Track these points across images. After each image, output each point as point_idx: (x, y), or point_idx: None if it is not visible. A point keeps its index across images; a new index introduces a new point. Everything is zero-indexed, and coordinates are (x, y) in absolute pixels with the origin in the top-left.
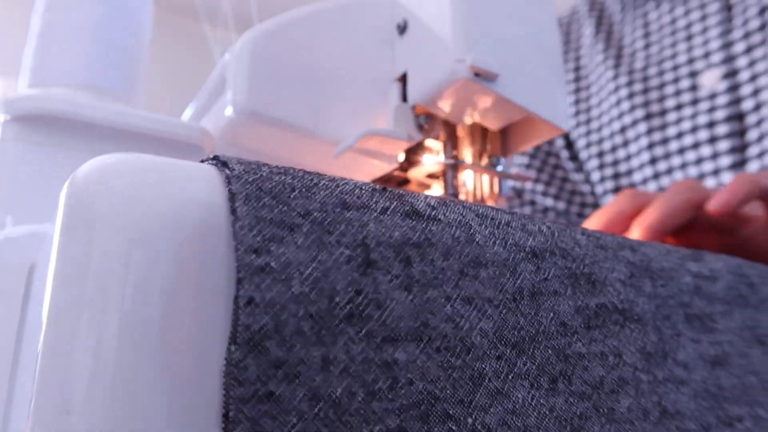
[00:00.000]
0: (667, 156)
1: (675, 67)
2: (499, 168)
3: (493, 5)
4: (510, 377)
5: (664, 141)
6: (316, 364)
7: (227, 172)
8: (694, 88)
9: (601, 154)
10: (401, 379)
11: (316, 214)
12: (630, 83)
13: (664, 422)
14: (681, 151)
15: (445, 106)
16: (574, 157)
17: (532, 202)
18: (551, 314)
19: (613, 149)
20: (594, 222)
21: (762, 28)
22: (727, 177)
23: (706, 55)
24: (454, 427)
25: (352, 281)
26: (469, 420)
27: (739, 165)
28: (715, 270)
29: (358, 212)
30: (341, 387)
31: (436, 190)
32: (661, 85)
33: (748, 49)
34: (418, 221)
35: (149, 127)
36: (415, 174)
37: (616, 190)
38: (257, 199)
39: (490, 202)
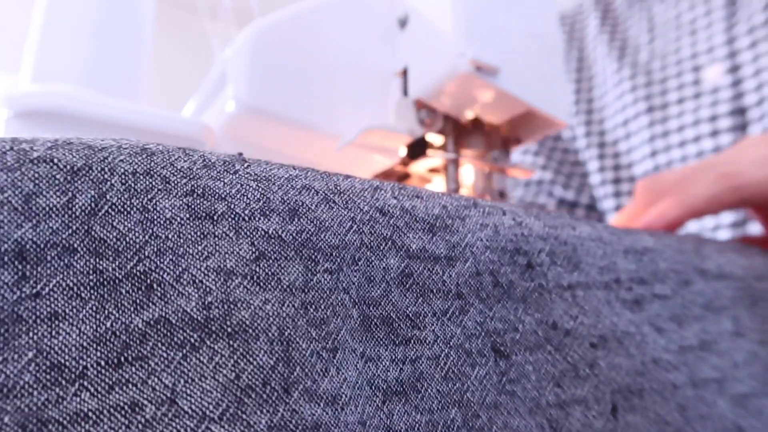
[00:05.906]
0: (667, 149)
1: (678, 62)
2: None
3: None
4: None
5: (665, 134)
6: None
7: None
8: (697, 82)
9: (602, 145)
10: None
11: None
12: (633, 76)
13: None
14: (682, 144)
15: (446, 101)
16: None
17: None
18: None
19: (615, 142)
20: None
21: (767, 23)
22: None
23: (710, 49)
24: None
25: None
26: None
27: None
28: (459, 245)
29: None
30: None
31: (438, 184)
32: (664, 79)
33: (753, 44)
34: None
35: (151, 122)
36: (417, 168)
37: (616, 181)
38: None
39: (490, 197)
